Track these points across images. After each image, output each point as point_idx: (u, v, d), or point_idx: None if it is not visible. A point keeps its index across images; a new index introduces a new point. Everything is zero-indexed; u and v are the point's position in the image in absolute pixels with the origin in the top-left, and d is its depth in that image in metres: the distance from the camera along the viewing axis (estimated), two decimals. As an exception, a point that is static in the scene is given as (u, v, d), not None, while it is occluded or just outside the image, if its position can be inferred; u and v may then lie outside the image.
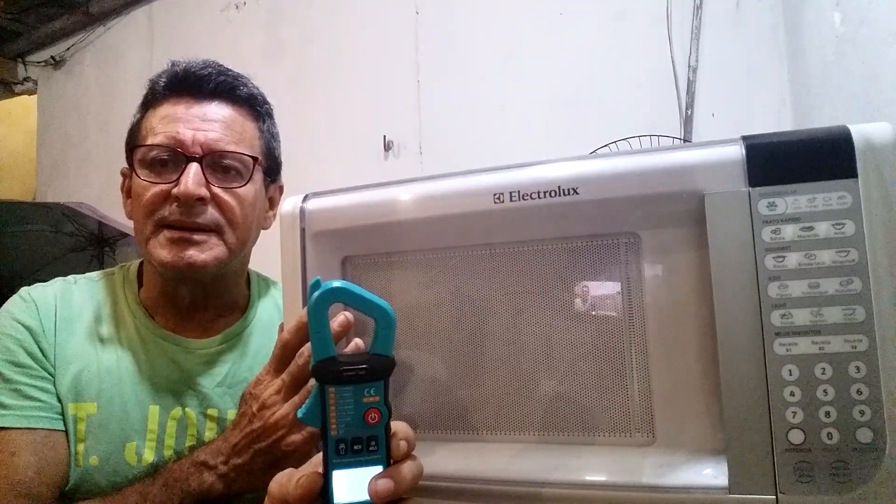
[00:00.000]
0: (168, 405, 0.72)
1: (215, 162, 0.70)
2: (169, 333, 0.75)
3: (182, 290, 0.74)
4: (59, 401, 0.68)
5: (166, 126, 0.70)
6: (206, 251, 0.69)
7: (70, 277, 0.78)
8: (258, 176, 0.75)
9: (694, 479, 0.41)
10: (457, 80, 2.17)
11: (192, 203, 0.67)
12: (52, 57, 3.53)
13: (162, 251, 0.68)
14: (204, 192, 0.68)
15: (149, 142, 0.70)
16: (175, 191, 0.67)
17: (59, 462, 0.66)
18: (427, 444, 0.44)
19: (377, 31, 2.34)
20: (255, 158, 0.73)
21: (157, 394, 0.72)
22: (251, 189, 0.73)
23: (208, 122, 0.71)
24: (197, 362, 0.74)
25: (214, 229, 0.70)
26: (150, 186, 0.69)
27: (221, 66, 0.75)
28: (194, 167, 0.68)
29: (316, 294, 0.38)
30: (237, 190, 0.71)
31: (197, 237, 0.69)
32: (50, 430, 0.66)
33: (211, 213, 0.69)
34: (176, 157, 0.69)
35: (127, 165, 0.75)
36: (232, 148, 0.71)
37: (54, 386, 0.69)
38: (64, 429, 0.68)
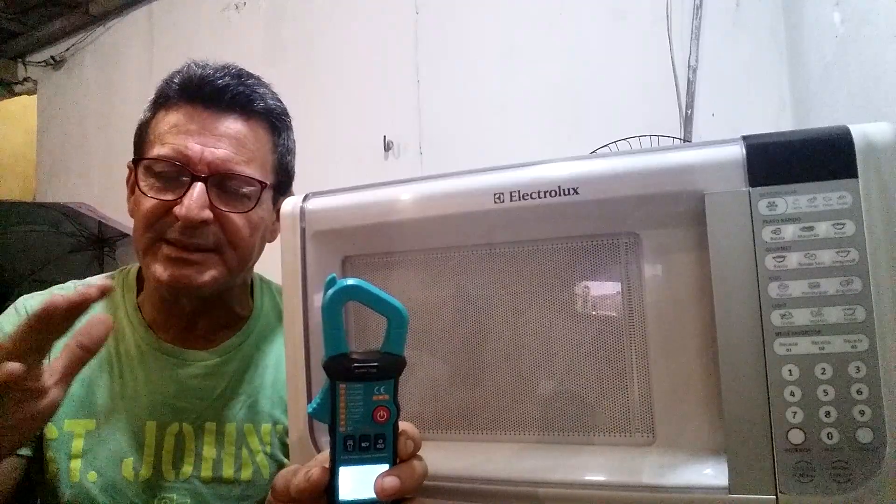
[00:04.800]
0: (165, 421, 0.71)
1: (222, 182, 0.67)
2: (168, 346, 0.74)
3: (182, 301, 0.72)
4: None
5: (175, 137, 0.67)
6: (205, 271, 0.67)
7: (69, 284, 0.76)
8: (266, 196, 0.72)
9: (694, 479, 0.41)
10: (457, 80, 2.17)
11: (193, 226, 0.65)
12: (52, 57, 3.54)
13: (159, 268, 0.66)
14: (207, 214, 0.65)
15: (155, 152, 0.67)
16: (177, 211, 0.64)
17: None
18: (427, 444, 0.44)
19: (377, 30, 2.34)
20: (263, 184, 0.69)
21: (155, 409, 0.71)
22: (258, 212, 0.70)
23: (219, 138, 0.67)
24: (196, 375, 0.73)
25: (215, 249, 0.68)
26: (151, 200, 0.66)
27: (241, 72, 0.72)
28: (199, 188, 0.65)
29: (331, 291, 0.39)
30: (243, 213, 0.68)
31: (195, 257, 0.67)
32: None
33: (213, 234, 0.67)
34: (182, 172, 0.66)
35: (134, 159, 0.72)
36: (241, 169, 0.68)
37: None
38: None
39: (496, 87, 2.08)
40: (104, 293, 0.48)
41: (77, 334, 0.49)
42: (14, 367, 0.44)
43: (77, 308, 0.46)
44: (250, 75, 0.73)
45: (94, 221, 2.75)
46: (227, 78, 0.69)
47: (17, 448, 0.50)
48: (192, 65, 0.71)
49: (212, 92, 0.68)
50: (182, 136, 0.66)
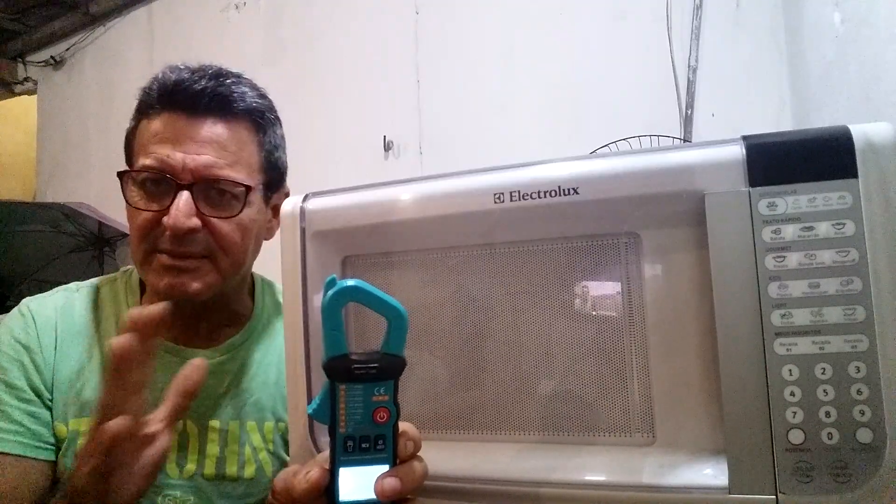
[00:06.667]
0: None
1: (208, 188, 0.67)
2: (171, 345, 0.74)
3: (182, 304, 0.71)
4: (52, 426, 0.68)
5: (157, 146, 0.66)
6: (199, 278, 0.68)
7: (73, 285, 0.77)
8: (255, 198, 0.71)
9: (694, 479, 0.41)
10: (457, 80, 2.17)
11: (181, 235, 0.65)
12: (52, 57, 3.54)
13: (155, 278, 0.67)
14: (195, 222, 0.65)
15: (140, 163, 0.67)
16: (165, 221, 0.65)
17: (28, 488, 0.65)
18: (427, 444, 0.44)
19: (377, 30, 2.34)
20: (248, 187, 0.69)
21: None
22: (247, 213, 0.70)
23: (201, 144, 0.67)
24: None
25: (207, 255, 0.68)
26: (141, 212, 0.67)
27: (220, 72, 0.70)
28: (184, 196, 0.65)
29: (331, 292, 0.39)
30: (232, 217, 0.68)
31: (188, 264, 0.67)
32: (24, 456, 0.65)
33: (203, 241, 0.67)
34: (166, 182, 0.66)
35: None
36: (225, 173, 0.67)
37: (49, 408, 0.68)
38: (45, 458, 0.67)
39: (496, 87, 2.08)
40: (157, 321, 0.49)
41: (176, 381, 0.52)
42: (119, 423, 0.47)
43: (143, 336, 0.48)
44: (229, 75, 0.72)
45: (94, 221, 2.75)
46: (203, 81, 0.68)
47: (137, 499, 0.51)
48: (167, 70, 0.70)
49: (189, 97, 0.67)
50: (163, 144, 0.66)
